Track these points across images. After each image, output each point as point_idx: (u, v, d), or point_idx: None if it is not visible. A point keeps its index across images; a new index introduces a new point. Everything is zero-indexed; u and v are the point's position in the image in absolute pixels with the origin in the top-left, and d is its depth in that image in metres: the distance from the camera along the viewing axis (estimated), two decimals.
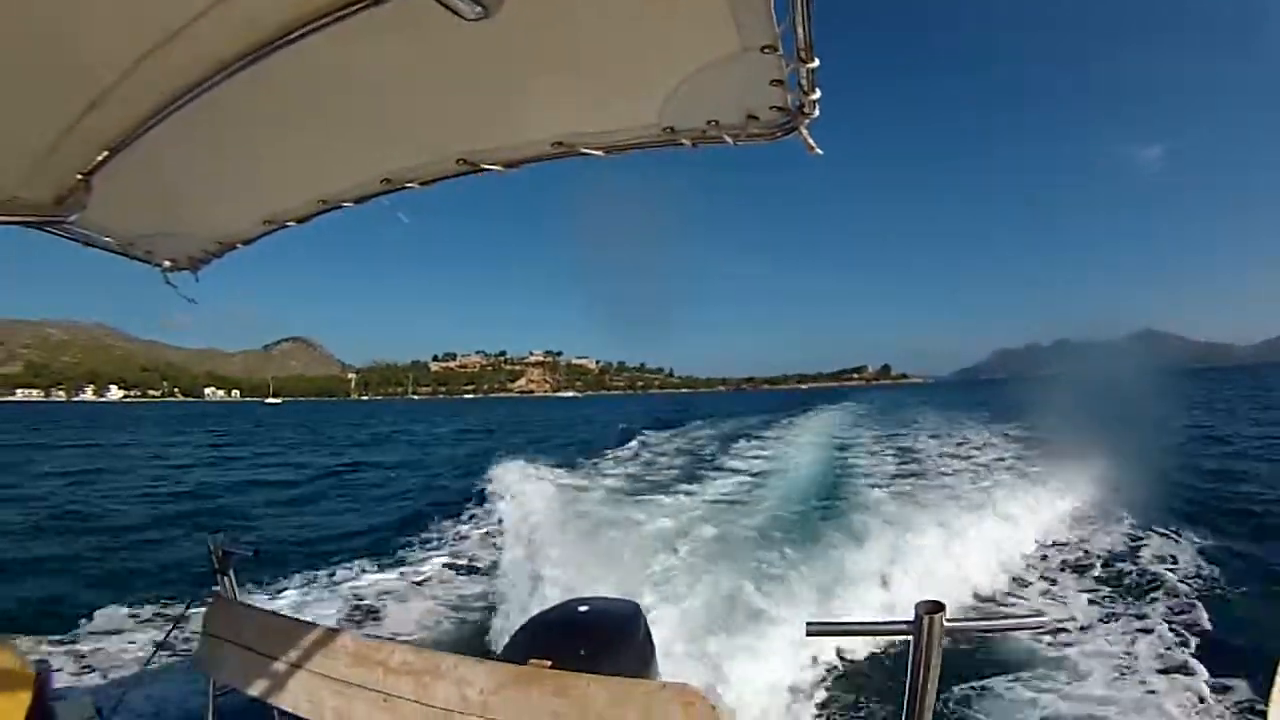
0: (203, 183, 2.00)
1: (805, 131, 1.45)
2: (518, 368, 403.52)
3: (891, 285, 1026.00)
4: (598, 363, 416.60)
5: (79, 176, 1.72)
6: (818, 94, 1.34)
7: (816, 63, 1.23)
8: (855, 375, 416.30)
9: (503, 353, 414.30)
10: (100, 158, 1.66)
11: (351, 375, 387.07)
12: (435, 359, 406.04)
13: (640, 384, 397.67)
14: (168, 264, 2.38)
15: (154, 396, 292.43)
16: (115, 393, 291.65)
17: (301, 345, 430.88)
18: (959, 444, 19.40)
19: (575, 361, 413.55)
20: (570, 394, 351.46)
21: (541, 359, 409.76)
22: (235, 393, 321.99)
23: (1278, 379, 64.78)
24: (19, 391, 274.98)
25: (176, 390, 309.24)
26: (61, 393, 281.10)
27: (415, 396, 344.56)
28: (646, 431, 27.01)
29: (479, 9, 1.04)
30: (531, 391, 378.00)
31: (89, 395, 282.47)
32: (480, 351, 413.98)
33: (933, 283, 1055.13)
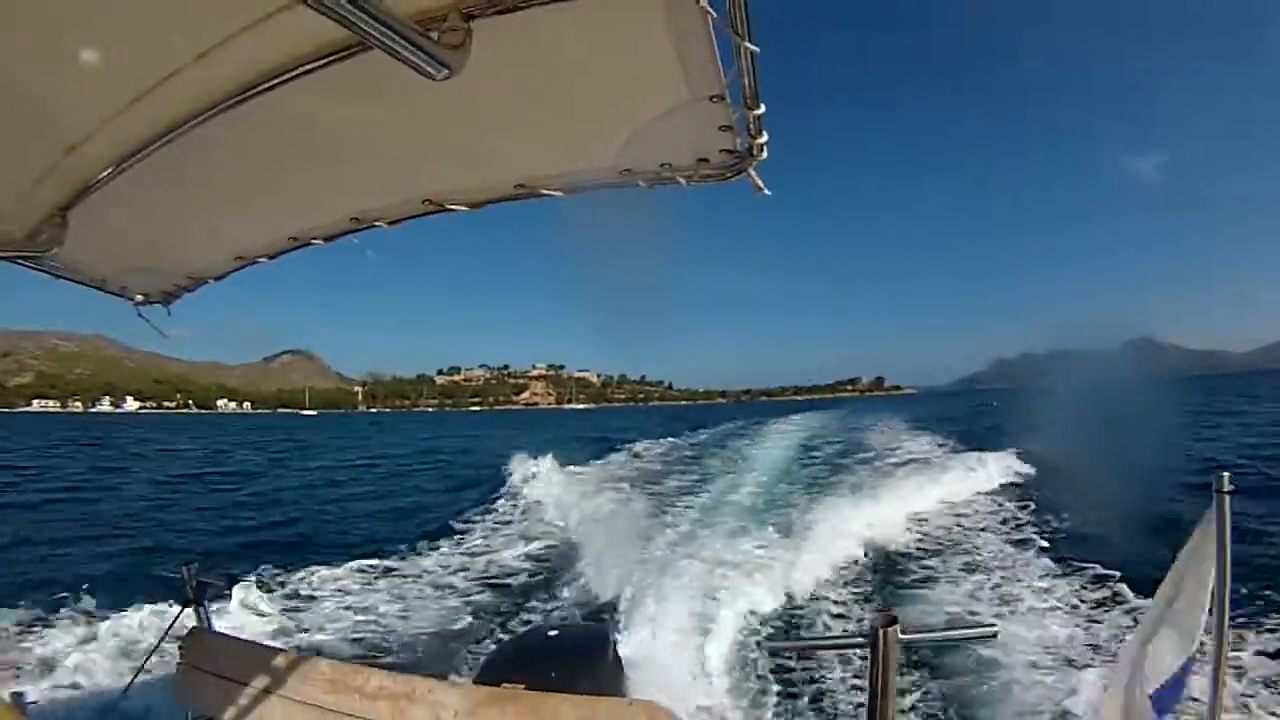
0: (177, 221, 2.06)
1: (754, 173, 1.52)
2: (521, 381, 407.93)
3: (889, 297, 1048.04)
4: (599, 376, 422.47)
5: (56, 213, 1.75)
6: (765, 137, 1.41)
7: (762, 109, 1.30)
8: (849, 386, 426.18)
9: (506, 366, 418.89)
10: (77, 196, 1.70)
11: (358, 388, 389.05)
12: (440, 373, 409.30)
13: (641, 396, 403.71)
14: (140, 298, 2.42)
15: (169, 409, 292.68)
16: (131, 404, 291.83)
17: (302, 358, 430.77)
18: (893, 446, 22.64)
19: (578, 375, 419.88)
20: (582, 406, 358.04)
21: (544, 372, 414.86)
22: (247, 405, 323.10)
23: (1268, 386, 66.34)
24: (35, 402, 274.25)
25: (190, 402, 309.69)
26: (78, 404, 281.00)
27: (429, 408, 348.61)
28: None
29: (444, 70, 1.08)
30: (536, 404, 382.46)
31: (105, 406, 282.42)
32: (484, 365, 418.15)
33: (931, 294, 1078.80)
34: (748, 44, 1.11)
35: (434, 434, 59.06)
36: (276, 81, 1.30)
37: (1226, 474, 1.45)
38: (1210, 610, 1.25)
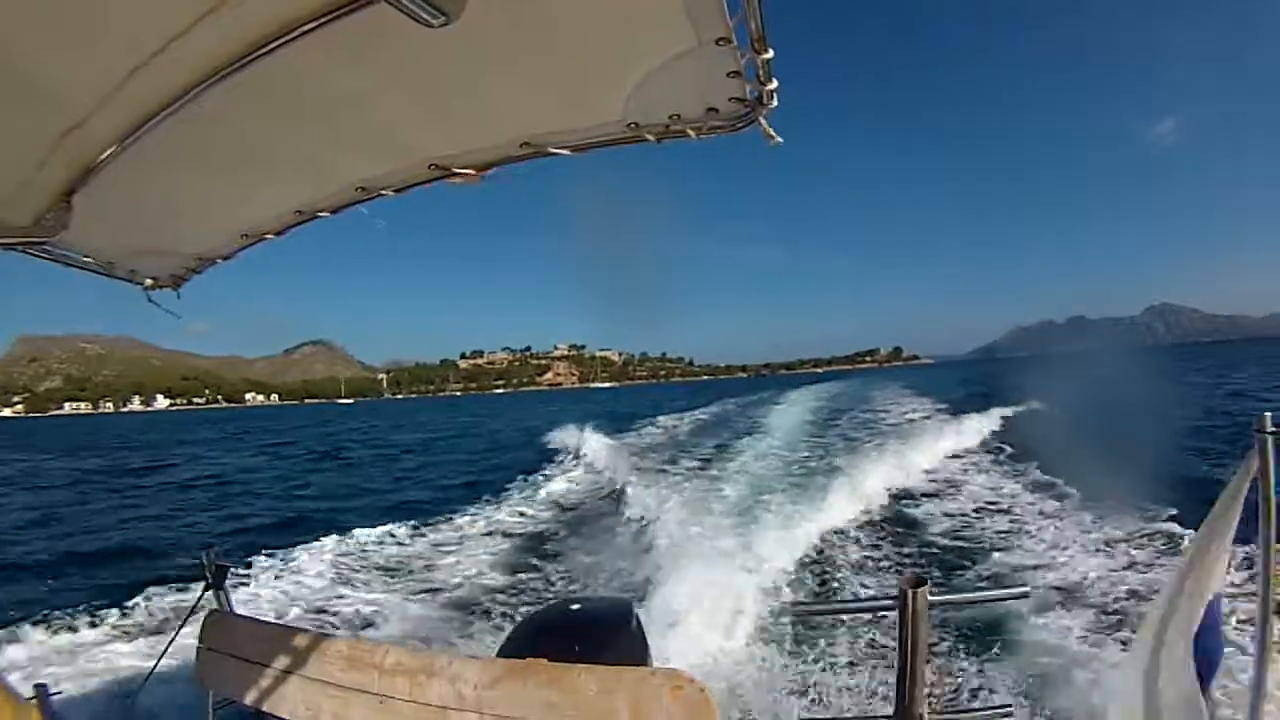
0: (180, 200, 2.01)
1: (764, 121, 1.48)
2: (544, 362, 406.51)
3: (908, 268, 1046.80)
4: (621, 354, 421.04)
5: (60, 198, 1.72)
6: (775, 84, 1.36)
7: (771, 53, 1.25)
8: (868, 358, 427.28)
9: (528, 348, 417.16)
10: (81, 178, 1.66)
11: (382, 375, 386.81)
12: (463, 356, 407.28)
13: (663, 373, 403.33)
14: (149, 282, 2.39)
15: (199, 405, 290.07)
16: (162, 402, 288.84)
17: (322, 348, 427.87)
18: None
19: (600, 354, 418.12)
20: (605, 384, 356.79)
21: (566, 353, 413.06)
22: (274, 397, 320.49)
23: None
24: (67, 405, 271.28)
25: (220, 397, 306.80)
26: (110, 405, 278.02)
27: (456, 393, 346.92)
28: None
29: (441, 16, 1.06)
30: (560, 384, 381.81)
31: (136, 406, 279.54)
32: (506, 348, 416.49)
33: (949, 263, 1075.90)
34: None
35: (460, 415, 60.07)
36: (272, 45, 1.25)
37: (1269, 414, 1.39)
38: (1247, 553, 1.20)
